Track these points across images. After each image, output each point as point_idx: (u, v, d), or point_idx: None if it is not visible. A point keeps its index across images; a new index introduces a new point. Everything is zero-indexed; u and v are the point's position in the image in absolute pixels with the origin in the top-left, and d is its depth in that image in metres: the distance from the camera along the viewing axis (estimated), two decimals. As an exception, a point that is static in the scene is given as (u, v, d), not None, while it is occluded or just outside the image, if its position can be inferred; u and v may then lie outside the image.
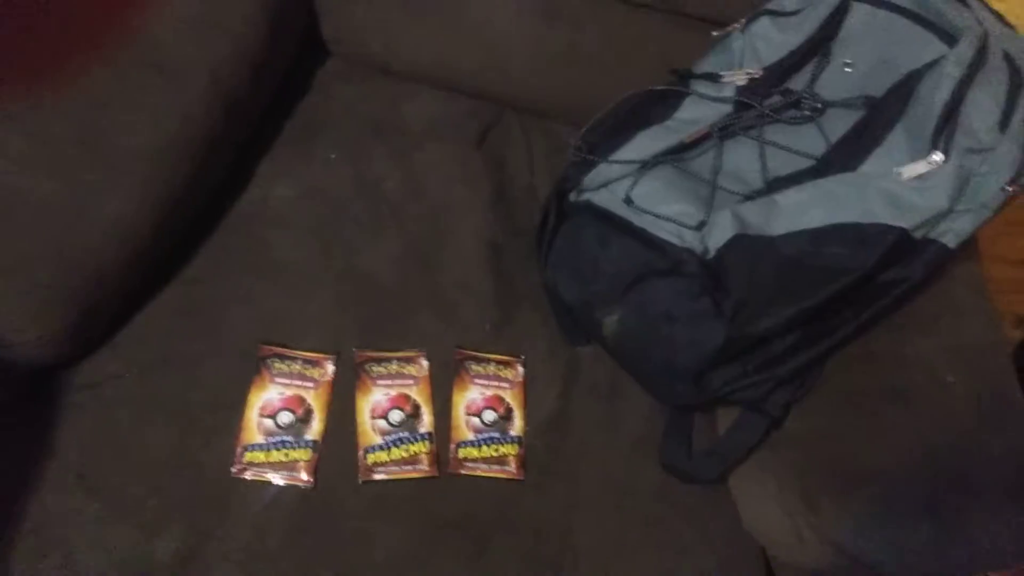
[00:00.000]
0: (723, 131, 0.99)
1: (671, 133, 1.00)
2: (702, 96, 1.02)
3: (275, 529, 0.83)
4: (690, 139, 0.98)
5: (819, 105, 0.97)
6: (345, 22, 1.16)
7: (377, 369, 0.93)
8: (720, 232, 0.89)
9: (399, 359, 0.94)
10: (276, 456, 0.86)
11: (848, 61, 0.99)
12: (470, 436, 0.91)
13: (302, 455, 0.87)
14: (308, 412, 0.89)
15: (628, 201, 0.95)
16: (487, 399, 0.94)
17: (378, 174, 1.09)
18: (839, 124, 0.95)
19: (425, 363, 0.94)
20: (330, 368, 0.92)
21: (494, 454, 0.91)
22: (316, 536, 0.84)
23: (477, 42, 1.16)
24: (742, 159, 0.98)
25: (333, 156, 1.09)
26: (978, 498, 0.83)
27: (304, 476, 0.86)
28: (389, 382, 0.92)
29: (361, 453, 0.88)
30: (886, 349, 0.90)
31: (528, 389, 0.96)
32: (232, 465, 0.86)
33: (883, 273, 0.87)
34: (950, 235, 0.86)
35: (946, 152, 0.85)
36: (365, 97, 1.16)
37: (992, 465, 0.84)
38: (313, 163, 1.08)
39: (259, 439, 0.87)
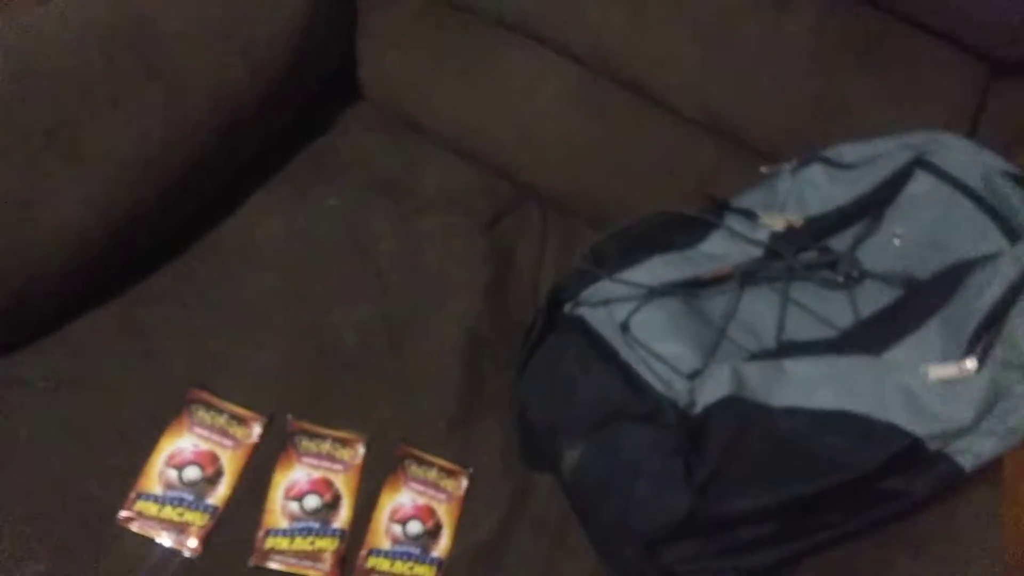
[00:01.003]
0: (746, 276, 0.90)
1: (690, 264, 0.92)
2: (733, 233, 0.94)
3: (147, 596, 0.74)
4: (709, 276, 0.90)
5: (856, 273, 0.88)
6: (378, 67, 1.10)
7: (307, 444, 0.84)
8: (713, 387, 0.79)
9: (335, 439, 0.85)
10: (169, 513, 0.77)
11: (899, 232, 0.91)
12: (386, 545, 0.81)
13: (197, 519, 0.78)
14: (218, 473, 0.80)
15: (624, 328, 0.86)
16: (417, 508, 0.84)
17: (375, 232, 1.01)
18: (873, 299, 0.86)
19: (361, 450, 0.85)
20: (256, 430, 0.83)
21: (407, 572, 0.81)
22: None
23: (510, 115, 1.10)
24: (759, 312, 0.89)
25: (333, 203, 1.02)
26: None
27: (193, 543, 0.77)
28: (316, 462, 0.83)
29: (261, 533, 0.79)
30: (867, 567, 0.78)
31: (466, 506, 0.86)
32: (121, 510, 0.77)
33: (883, 480, 0.76)
34: (968, 456, 0.76)
35: (981, 360, 0.75)
36: (384, 149, 1.09)
37: None
38: (308, 205, 1.01)
39: (157, 489, 0.78)
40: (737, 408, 0.78)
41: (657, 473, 0.77)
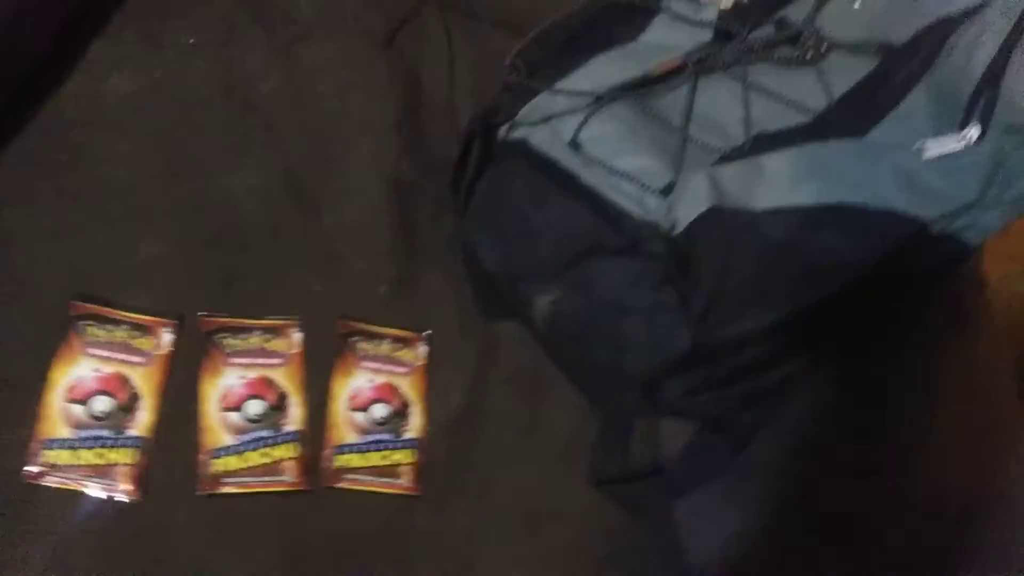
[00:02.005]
0: (699, 64, 0.78)
1: (635, 60, 0.79)
2: (676, 16, 0.82)
3: (84, 555, 0.63)
4: (659, 71, 0.78)
5: (822, 46, 0.78)
6: None
7: (232, 342, 0.70)
8: (691, 201, 0.69)
9: (263, 329, 0.72)
10: (87, 457, 0.64)
11: (858, -9, 0.80)
12: (353, 438, 0.71)
13: (123, 457, 0.65)
14: (134, 398, 0.67)
15: (575, 145, 0.75)
16: (377, 388, 0.73)
17: (250, 71, 0.83)
18: (845, 73, 0.77)
19: (297, 336, 0.72)
20: (167, 337, 0.69)
21: (383, 463, 0.71)
22: (140, 569, 0.63)
23: None
24: (720, 104, 0.79)
25: (191, 41, 0.83)
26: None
27: (125, 486, 0.64)
28: (247, 361, 0.70)
29: (204, 457, 0.67)
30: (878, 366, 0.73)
31: (431, 377, 0.75)
32: (25, 466, 0.63)
33: (887, 273, 0.70)
34: (973, 232, 0.70)
35: (983, 127, 0.67)
36: (243, -34, 0.89)
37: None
38: (164, 49, 0.82)
39: (64, 432, 0.64)
40: (721, 220, 0.69)
41: (647, 308, 0.68)
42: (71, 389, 0.65)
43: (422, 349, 0.76)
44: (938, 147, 0.68)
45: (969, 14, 0.71)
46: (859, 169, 0.70)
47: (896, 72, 0.73)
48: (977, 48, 0.69)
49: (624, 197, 0.71)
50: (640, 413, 0.73)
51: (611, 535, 0.75)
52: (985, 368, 0.75)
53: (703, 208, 0.69)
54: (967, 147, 0.68)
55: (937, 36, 0.72)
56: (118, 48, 0.79)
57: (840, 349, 0.72)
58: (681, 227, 0.69)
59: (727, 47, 0.79)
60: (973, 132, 0.67)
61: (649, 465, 0.75)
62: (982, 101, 0.68)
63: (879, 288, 0.71)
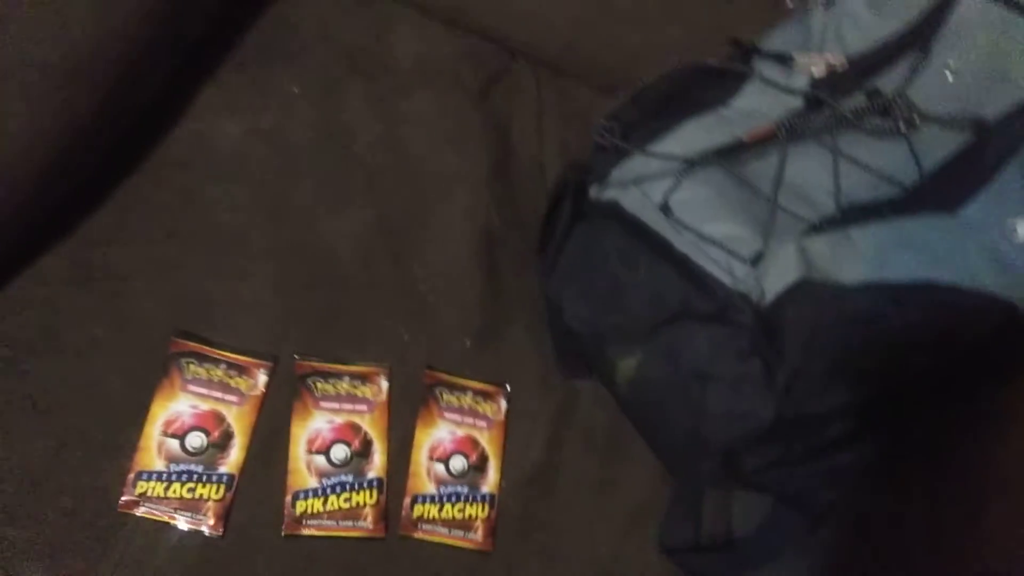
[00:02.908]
0: (790, 132, 0.79)
1: (726, 126, 0.80)
2: (767, 82, 0.82)
3: (166, 587, 0.64)
4: (751, 138, 0.78)
5: (914, 118, 0.77)
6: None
7: (323, 386, 0.72)
8: (780, 272, 0.70)
9: (352, 375, 0.74)
10: (178, 490, 0.66)
11: (951, 65, 0.80)
12: (431, 489, 0.72)
13: (212, 492, 0.67)
14: (227, 436, 0.69)
15: (665, 210, 0.76)
16: (458, 441, 0.74)
17: (351, 122, 0.86)
18: (936, 147, 0.77)
19: (385, 384, 0.74)
20: (262, 379, 0.71)
21: (459, 515, 0.72)
22: (219, 603, 0.65)
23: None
24: (809, 173, 0.79)
25: (296, 90, 0.86)
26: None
27: (211, 521, 0.66)
28: (336, 405, 0.72)
29: (289, 498, 0.68)
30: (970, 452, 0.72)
31: (509, 432, 0.76)
32: (120, 495, 0.65)
33: (977, 355, 0.69)
34: (1067, 318, 0.68)
35: (1079, 209, 0.67)
36: (347, 17, 0.92)
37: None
38: (270, 97, 0.85)
39: (159, 465, 0.67)
40: (810, 294, 0.69)
41: (732, 378, 0.69)
42: (169, 423, 0.68)
43: (502, 403, 0.77)
44: (1029, 227, 0.68)
45: (1061, 90, 0.71)
46: (950, 246, 0.69)
47: (989, 148, 0.73)
48: (1071, 125, 0.68)
49: (713, 264, 0.72)
50: (717, 484, 0.73)
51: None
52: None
53: (792, 280, 0.69)
54: (1063, 229, 0.67)
55: (1030, 113, 0.72)
56: (227, 95, 0.83)
57: (924, 432, 0.70)
58: (769, 298, 0.69)
59: (818, 115, 0.80)
60: (1068, 211, 0.67)
61: (720, 536, 0.74)
62: (1078, 178, 0.68)
63: (968, 372, 0.70)
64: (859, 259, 0.70)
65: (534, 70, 0.99)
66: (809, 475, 0.70)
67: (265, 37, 0.89)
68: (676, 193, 0.76)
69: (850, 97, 0.80)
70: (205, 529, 0.66)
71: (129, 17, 0.70)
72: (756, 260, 0.72)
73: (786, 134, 0.79)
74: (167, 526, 0.66)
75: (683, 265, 0.71)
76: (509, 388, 0.78)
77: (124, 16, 0.70)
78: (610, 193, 0.78)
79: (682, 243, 0.73)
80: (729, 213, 0.75)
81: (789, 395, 0.67)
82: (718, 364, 0.69)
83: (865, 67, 0.81)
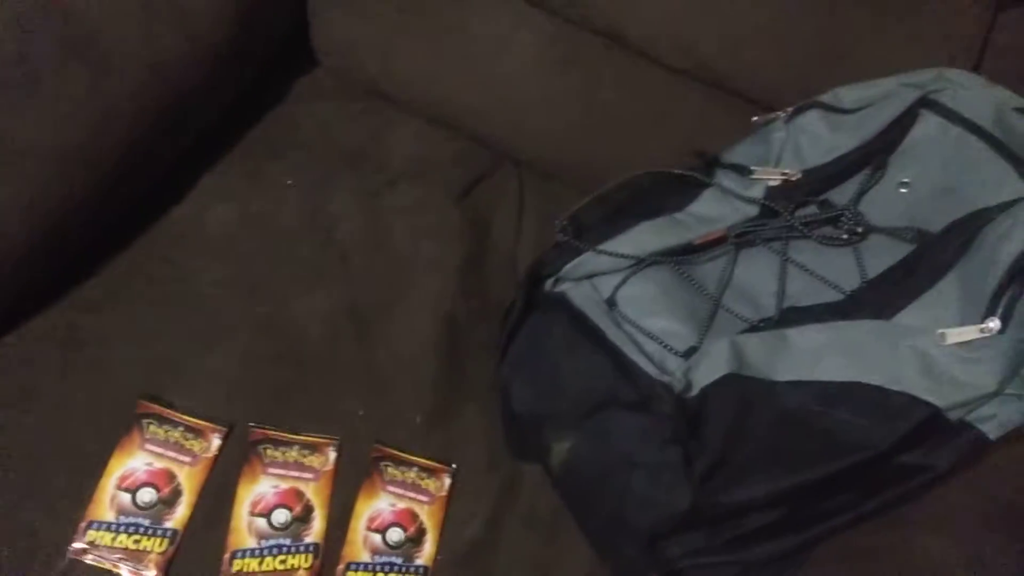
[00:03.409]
0: (741, 237, 0.83)
1: (680, 229, 0.84)
2: (725, 191, 0.86)
3: (104, 634, 0.68)
4: (701, 241, 0.83)
5: (860, 228, 0.81)
6: (337, 31, 1.01)
7: (272, 453, 0.77)
8: (710, 366, 0.72)
9: (302, 444, 0.78)
10: (124, 541, 0.71)
11: (905, 180, 0.84)
12: (365, 557, 0.75)
13: (155, 545, 0.71)
14: (176, 493, 0.73)
15: (611, 303, 0.79)
16: (397, 513, 0.77)
17: (336, 212, 0.93)
18: (881, 256, 0.79)
19: (332, 455, 0.78)
20: (215, 442, 0.76)
21: (390, 585, 0.74)
22: (151, 652, 0.68)
23: (480, 74, 1.01)
24: (757, 276, 0.82)
25: (290, 182, 0.94)
26: None
27: (152, 572, 0.70)
28: (282, 472, 0.76)
29: (227, 556, 0.72)
30: (889, 545, 0.72)
31: (451, 507, 0.79)
32: (71, 542, 0.70)
33: (900, 455, 0.70)
34: (993, 422, 0.70)
35: (1004, 320, 0.68)
36: (345, 119, 1.01)
37: None
38: (264, 187, 0.93)
39: (109, 516, 0.71)
40: (737, 387, 0.71)
41: (653, 465, 0.71)
42: (123, 478, 0.73)
43: (446, 480, 0.80)
44: (958, 335, 0.69)
45: (1004, 207, 0.73)
46: (880, 350, 0.71)
47: (929, 259, 0.75)
48: (1005, 241, 0.70)
49: (643, 356, 0.75)
50: (642, 571, 0.74)
51: None
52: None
53: (720, 373, 0.71)
54: (988, 338, 0.68)
55: (972, 227, 0.74)
56: (223, 182, 0.91)
57: (846, 527, 0.71)
58: (696, 390, 0.72)
59: (770, 223, 0.83)
60: (994, 324, 0.68)
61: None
62: (1007, 295, 0.69)
63: (896, 473, 0.71)
64: (791, 358, 0.72)
65: (519, 173, 1.05)
66: (732, 564, 0.71)
67: (269, 133, 0.97)
68: (623, 289, 0.80)
69: (803, 208, 0.84)
70: (145, 580, 0.70)
71: (129, 109, 0.79)
72: (689, 354, 0.75)
73: (736, 238, 0.83)
74: (111, 574, 0.70)
75: (615, 355, 0.74)
76: (455, 466, 0.81)
77: (124, 108, 0.78)
78: (563, 286, 0.82)
79: (617, 335, 0.76)
80: (670, 309, 0.78)
81: (707, 484, 0.69)
82: (642, 451, 0.71)
83: (820, 180, 0.85)
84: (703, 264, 0.83)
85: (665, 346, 0.75)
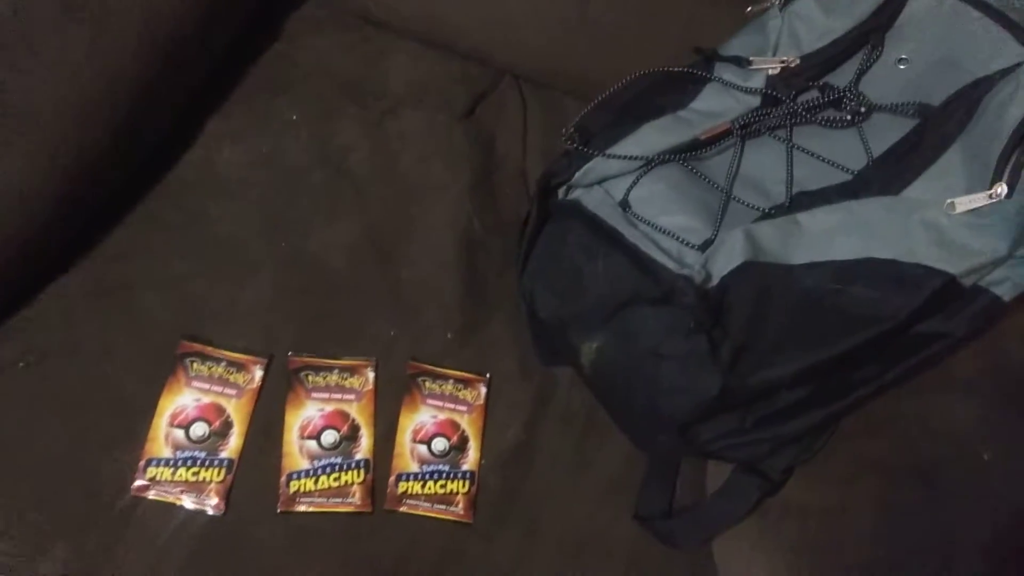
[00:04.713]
0: (745, 128, 0.84)
1: (685, 126, 0.85)
2: (726, 84, 0.87)
3: (175, 560, 0.72)
4: (707, 136, 0.84)
5: (863, 108, 0.82)
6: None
7: (314, 379, 0.80)
8: (727, 256, 0.74)
9: (341, 368, 0.81)
10: (184, 474, 0.74)
11: (903, 57, 0.84)
12: (414, 467, 0.78)
13: (214, 475, 0.74)
14: (227, 425, 0.77)
15: (624, 205, 0.81)
16: (439, 424, 0.81)
17: (344, 143, 0.94)
18: (885, 134, 0.80)
19: (371, 375, 0.81)
20: (258, 374, 0.79)
21: (440, 491, 0.78)
22: (222, 572, 0.72)
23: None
24: (765, 165, 0.83)
25: (294, 117, 0.94)
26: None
27: (214, 500, 0.74)
28: (326, 395, 0.79)
29: (284, 479, 0.76)
30: (912, 413, 0.75)
31: (489, 414, 0.83)
32: (133, 480, 0.73)
33: (918, 324, 0.72)
34: (1007, 285, 0.72)
35: (1012, 184, 0.70)
36: (340, 50, 1.01)
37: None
38: (270, 124, 0.93)
39: (166, 452, 0.75)
40: (755, 274, 0.73)
41: (681, 355, 0.73)
42: (175, 416, 0.76)
43: (482, 390, 0.83)
44: (967, 203, 0.71)
45: (1004, 73, 0.74)
46: (891, 225, 0.73)
47: (932, 132, 0.76)
48: (1009, 106, 0.71)
49: (661, 252, 0.76)
50: (677, 455, 0.77)
51: (653, 571, 0.79)
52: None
53: (738, 262, 0.73)
54: (996, 203, 0.70)
55: (973, 96, 0.75)
56: (230, 124, 0.92)
57: (871, 397, 0.74)
58: (716, 280, 0.74)
59: (773, 111, 0.84)
60: (1001, 189, 0.70)
61: (691, 504, 0.79)
62: (1013, 159, 0.71)
63: (915, 342, 0.74)
64: (805, 241, 0.74)
65: (520, 87, 1.06)
66: (762, 442, 0.75)
67: (267, 72, 0.98)
68: (635, 190, 0.81)
69: (804, 93, 0.85)
70: (208, 508, 0.73)
71: (132, 59, 0.79)
72: (705, 247, 0.77)
73: (741, 130, 0.84)
74: (174, 506, 0.73)
75: (633, 255, 0.76)
76: (489, 376, 0.84)
77: (128, 58, 0.79)
78: (575, 193, 0.84)
79: (634, 235, 0.78)
80: (682, 205, 0.80)
81: (734, 369, 0.72)
82: (668, 343, 0.74)
83: (818, 64, 0.85)
84: (710, 158, 0.85)
85: (682, 241, 0.77)
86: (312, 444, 0.77)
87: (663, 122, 0.85)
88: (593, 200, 0.82)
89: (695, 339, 0.72)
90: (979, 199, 0.71)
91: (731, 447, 0.75)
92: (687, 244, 0.77)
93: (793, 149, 0.83)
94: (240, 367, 0.79)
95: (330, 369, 0.80)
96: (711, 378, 0.72)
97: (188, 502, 0.73)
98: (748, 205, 0.81)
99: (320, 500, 0.75)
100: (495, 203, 0.95)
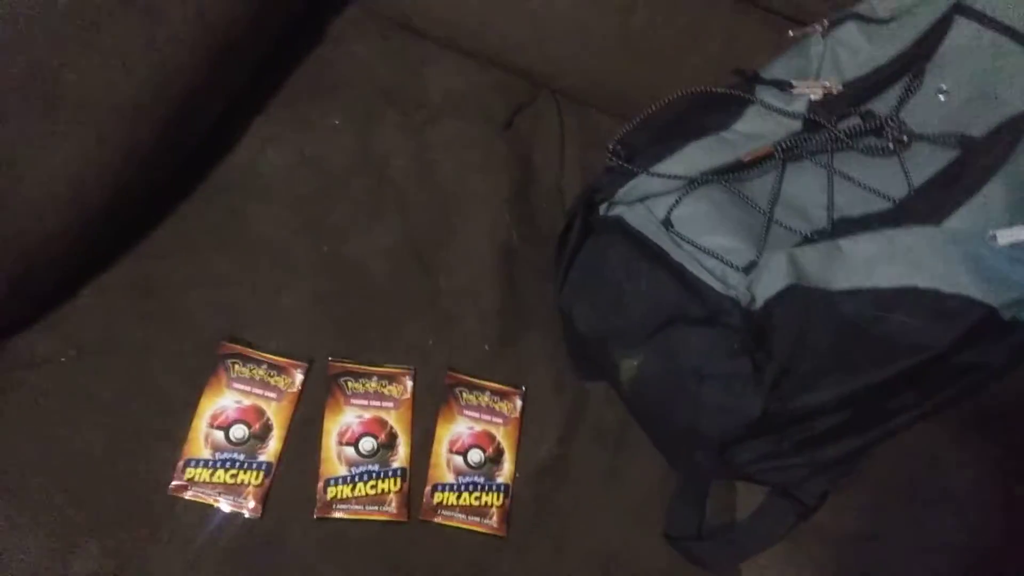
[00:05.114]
0: (788, 152, 0.84)
1: (727, 147, 0.86)
2: (768, 107, 0.87)
3: (210, 562, 0.72)
4: (749, 158, 0.84)
5: (904, 137, 0.83)
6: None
7: (353, 385, 0.80)
8: (771, 279, 0.74)
9: (380, 375, 0.81)
10: (222, 476, 0.74)
11: (944, 88, 0.85)
12: (450, 478, 0.79)
13: (252, 479, 0.75)
14: (266, 428, 0.77)
15: (667, 224, 0.82)
16: (475, 435, 0.81)
17: (385, 149, 0.95)
18: (926, 164, 0.81)
19: (410, 384, 0.82)
20: (298, 378, 0.79)
21: (475, 503, 0.78)
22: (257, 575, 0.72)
23: (514, 6, 1.00)
24: (806, 189, 0.84)
25: (337, 122, 0.95)
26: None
27: (251, 503, 0.74)
28: (365, 402, 0.80)
29: (321, 484, 0.76)
30: (943, 445, 0.76)
31: (524, 428, 0.83)
32: (171, 480, 0.73)
33: (958, 356, 0.73)
34: (1047, 320, 0.72)
35: (1055, 218, 0.71)
36: (383, 56, 1.01)
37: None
38: (313, 128, 0.94)
39: (205, 454, 0.75)
40: (799, 298, 0.73)
41: (724, 376, 0.74)
42: (215, 417, 0.76)
43: (518, 402, 0.84)
44: (1009, 236, 0.72)
45: (1048, 108, 0.75)
46: (933, 255, 0.73)
47: (974, 163, 0.77)
48: (1051, 142, 0.72)
49: (707, 272, 0.77)
50: (712, 475, 0.78)
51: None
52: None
53: (782, 285, 0.74)
54: (1038, 237, 0.71)
55: (1016, 129, 0.76)
56: (274, 127, 0.92)
57: (907, 425, 0.74)
58: (760, 302, 0.75)
59: (815, 136, 0.85)
60: (1044, 223, 0.71)
61: (722, 526, 0.79)
62: (1055, 192, 0.72)
63: (953, 372, 0.75)
64: (847, 267, 0.75)
65: (558, 101, 1.06)
66: (799, 466, 0.75)
67: (310, 76, 0.98)
68: (677, 209, 0.82)
69: (846, 119, 0.86)
70: (246, 511, 0.74)
71: (184, 56, 0.79)
72: (749, 268, 0.77)
73: (783, 153, 0.85)
74: (211, 508, 0.73)
75: (679, 274, 0.77)
76: (525, 389, 0.84)
77: (180, 55, 0.79)
78: (617, 210, 0.84)
79: (679, 254, 0.78)
80: (725, 227, 0.80)
81: (775, 391, 0.72)
82: (711, 363, 0.74)
83: (860, 91, 0.86)
84: (751, 180, 0.85)
85: (725, 262, 0.77)
86: (350, 451, 0.77)
87: (707, 142, 0.86)
88: (636, 217, 0.83)
89: (739, 360, 0.73)
90: (1022, 232, 0.71)
91: (768, 470, 0.76)
92: (731, 265, 0.78)
93: (834, 175, 0.84)
94: (281, 370, 0.79)
95: (369, 376, 0.81)
96: (753, 400, 0.72)
97: (225, 504, 0.74)
98: (790, 229, 0.81)
99: (356, 507, 0.75)
100: (532, 216, 0.96)
